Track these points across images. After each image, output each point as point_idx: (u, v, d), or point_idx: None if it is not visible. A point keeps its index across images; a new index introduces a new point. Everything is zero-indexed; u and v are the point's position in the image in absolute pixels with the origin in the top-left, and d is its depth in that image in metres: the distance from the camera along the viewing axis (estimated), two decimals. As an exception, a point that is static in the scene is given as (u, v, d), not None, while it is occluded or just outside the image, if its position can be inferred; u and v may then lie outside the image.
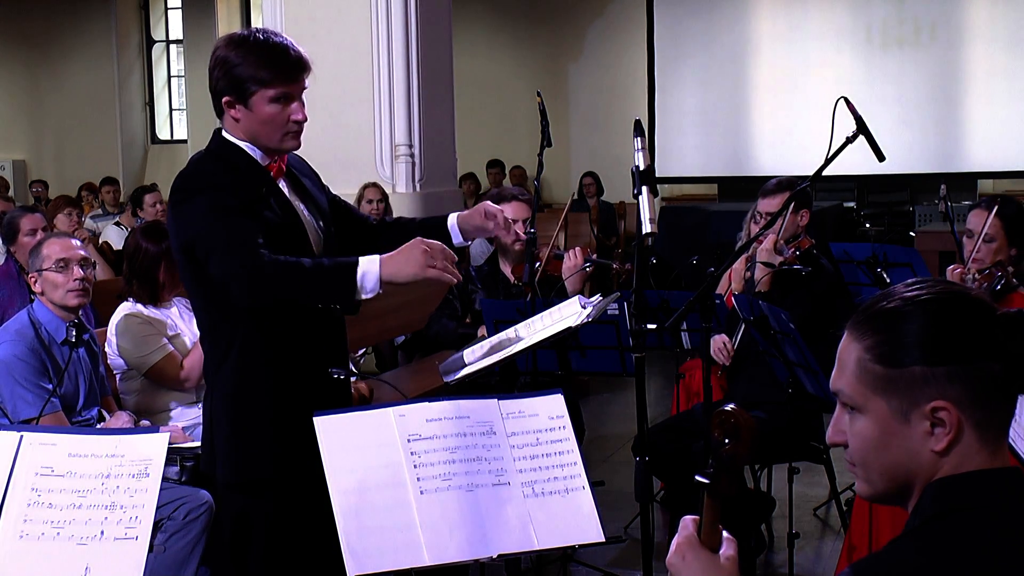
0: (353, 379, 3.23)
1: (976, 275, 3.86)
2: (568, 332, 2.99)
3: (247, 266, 2.59)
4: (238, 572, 2.87)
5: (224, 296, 2.70)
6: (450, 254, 2.65)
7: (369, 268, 2.58)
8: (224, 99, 2.72)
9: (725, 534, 1.57)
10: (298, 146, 2.82)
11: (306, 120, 2.77)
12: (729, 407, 1.58)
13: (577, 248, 4.43)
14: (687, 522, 1.57)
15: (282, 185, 2.85)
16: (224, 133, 2.81)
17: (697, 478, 1.55)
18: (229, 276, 2.63)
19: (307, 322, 2.80)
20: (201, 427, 4.06)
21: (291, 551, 2.83)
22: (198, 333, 4.18)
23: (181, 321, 4.26)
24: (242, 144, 2.77)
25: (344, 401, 2.93)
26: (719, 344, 4.33)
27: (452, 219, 2.91)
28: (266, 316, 2.74)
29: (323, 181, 3.03)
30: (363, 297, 2.59)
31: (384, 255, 2.60)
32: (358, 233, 3.01)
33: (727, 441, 1.56)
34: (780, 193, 4.44)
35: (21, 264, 5.31)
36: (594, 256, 4.44)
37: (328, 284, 2.62)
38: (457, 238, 2.89)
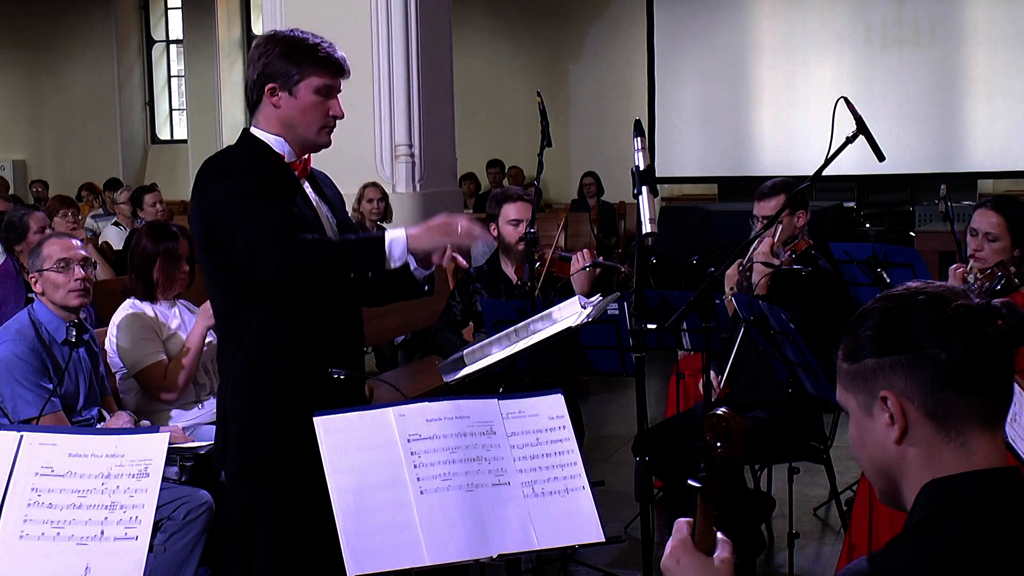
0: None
1: (978, 274, 3.86)
2: (568, 332, 2.99)
3: (277, 242, 2.64)
4: (243, 567, 2.87)
5: (243, 282, 2.74)
6: (476, 226, 2.70)
7: (396, 237, 2.64)
8: (268, 85, 2.78)
9: (720, 536, 1.57)
10: (329, 143, 2.87)
11: (343, 117, 2.85)
12: (721, 410, 1.58)
13: (585, 250, 4.43)
14: (681, 525, 1.57)
15: (306, 187, 2.88)
16: (253, 129, 2.85)
17: (689, 482, 1.55)
18: (258, 252, 2.65)
19: (322, 316, 2.82)
20: (201, 427, 4.10)
21: (296, 546, 2.83)
22: (196, 340, 4.22)
23: (181, 322, 4.27)
24: (270, 139, 2.82)
25: (357, 398, 2.93)
26: (713, 380, 4.11)
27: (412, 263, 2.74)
28: (282, 304, 2.76)
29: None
30: (392, 265, 2.64)
31: (410, 229, 2.67)
32: None
33: (719, 444, 1.56)
34: (776, 195, 4.42)
35: (22, 264, 5.32)
36: (601, 259, 4.44)
37: (358, 251, 2.68)
38: (418, 272, 2.77)
